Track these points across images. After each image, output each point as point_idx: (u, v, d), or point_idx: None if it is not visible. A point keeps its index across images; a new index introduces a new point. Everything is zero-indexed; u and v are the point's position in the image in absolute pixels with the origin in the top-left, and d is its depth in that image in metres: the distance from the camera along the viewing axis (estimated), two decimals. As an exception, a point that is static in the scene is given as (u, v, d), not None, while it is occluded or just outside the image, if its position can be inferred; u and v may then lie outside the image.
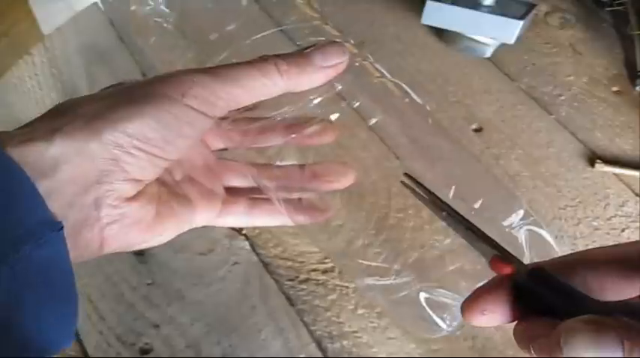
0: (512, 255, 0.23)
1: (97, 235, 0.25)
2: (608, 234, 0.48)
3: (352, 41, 0.32)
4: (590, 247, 0.32)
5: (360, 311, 0.44)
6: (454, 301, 0.29)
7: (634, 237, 0.48)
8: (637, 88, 0.57)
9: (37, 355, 0.22)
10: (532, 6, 0.58)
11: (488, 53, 0.60)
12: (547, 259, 0.22)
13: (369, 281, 0.31)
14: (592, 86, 0.58)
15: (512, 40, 0.56)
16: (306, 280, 0.46)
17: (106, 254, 0.26)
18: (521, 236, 0.28)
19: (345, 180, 0.32)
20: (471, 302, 0.22)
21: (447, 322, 0.29)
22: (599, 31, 0.63)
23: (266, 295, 0.45)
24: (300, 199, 0.32)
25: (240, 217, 0.33)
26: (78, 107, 0.25)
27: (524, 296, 0.22)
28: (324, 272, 0.46)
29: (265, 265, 0.46)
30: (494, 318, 0.22)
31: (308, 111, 0.30)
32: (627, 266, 0.20)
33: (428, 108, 0.32)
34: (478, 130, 0.55)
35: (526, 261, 0.24)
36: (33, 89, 0.59)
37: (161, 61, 0.35)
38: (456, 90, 0.58)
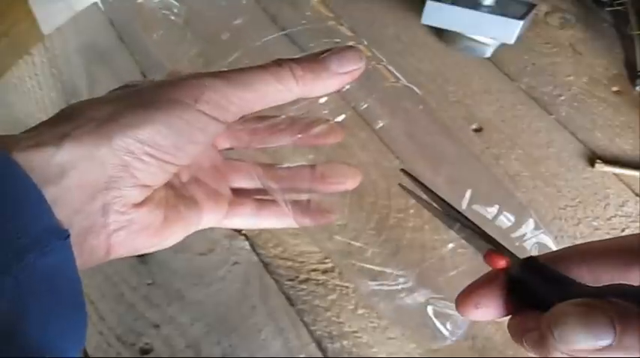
0: (507, 249, 0.23)
1: (103, 242, 0.24)
2: (608, 234, 0.48)
3: (365, 42, 0.31)
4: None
5: (360, 311, 0.44)
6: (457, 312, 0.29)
7: (634, 237, 0.48)
8: (637, 88, 0.57)
9: None
10: (532, 6, 0.58)
11: (488, 53, 0.60)
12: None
13: (373, 286, 0.30)
14: (592, 86, 0.58)
15: (512, 40, 0.56)
16: (306, 280, 0.46)
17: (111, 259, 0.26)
18: (531, 248, 0.28)
19: (352, 182, 0.32)
20: (464, 296, 0.22)
21: (450, 330, 0.29)
22: (599, 31, 0.63)
23: (266, 295, 0.45)
24: (308, 201, 0.32)
25: (247, 219, 0.32)
26: (86, 111, 0.24)
27: (518, 290, 0.22)
28: (324, 272, 0.46)
29: (265, 265, 0.46)
30: (488, 312, 0.22)
31: (315, 110, 0.30)
32: (622, 256, 0.20)
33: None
34: (478, 130, 0.55)
35: None
36: (33, 89, 0.59)
37: (166, 56, 0.34)
38: (456, 90, 0.58)
